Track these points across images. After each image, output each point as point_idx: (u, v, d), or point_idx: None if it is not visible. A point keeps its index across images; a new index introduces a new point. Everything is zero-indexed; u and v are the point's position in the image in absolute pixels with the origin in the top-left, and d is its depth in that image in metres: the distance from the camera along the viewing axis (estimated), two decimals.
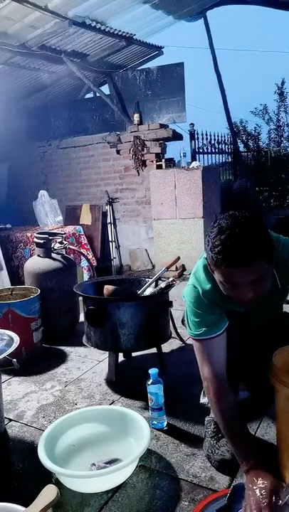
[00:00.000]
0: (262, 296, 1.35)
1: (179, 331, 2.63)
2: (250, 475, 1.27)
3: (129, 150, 5.12)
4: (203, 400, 1.78)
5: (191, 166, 4.74)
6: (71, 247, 3.87)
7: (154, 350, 2.34)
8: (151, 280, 2.48)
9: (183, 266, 4.62)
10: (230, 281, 1.29)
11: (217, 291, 1.45)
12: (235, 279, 1.28)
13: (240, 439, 1.40)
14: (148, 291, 2.43)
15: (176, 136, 5.16)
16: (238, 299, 1.34)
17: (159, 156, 5.03)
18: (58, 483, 1.45)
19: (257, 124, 11.92)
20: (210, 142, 6.52)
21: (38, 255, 3.03)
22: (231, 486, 1.39)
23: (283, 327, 1.76)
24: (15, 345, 1.75)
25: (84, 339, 2.34)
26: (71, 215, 5.57)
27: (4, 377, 2.35)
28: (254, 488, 1.22)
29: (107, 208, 5.41)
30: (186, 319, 1.58)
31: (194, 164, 4.81)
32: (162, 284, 2.39)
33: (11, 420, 1.94)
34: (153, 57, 6.50)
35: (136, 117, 5.16)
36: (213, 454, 1.55)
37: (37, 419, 1.94)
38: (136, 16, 4.96)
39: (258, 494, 1.19)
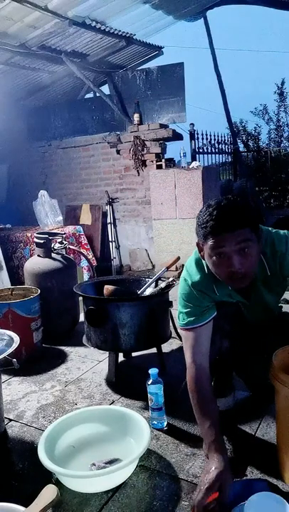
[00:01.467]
0: (250, 274, 1.38)
1: (179, 330, 2.63)
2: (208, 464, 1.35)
3: (129, 150, 5.12)
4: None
5: (191, 166, 4.74)
6: (71, 247, 3.87)
7: (154, 350, 2.34)
8: (151, 280, 2.48)
9: (183, 266, 4.61)
10: (217, 250, 1.34)
11: (207, 280, 1.52)
12: (222, 247, 1.33)
13: (209, 431, 1.44)
14: (148, 291, 2.43)
15: (176, 136, 5.15)
16: (226, 275, 1.38)
17: (159, 156, 5.03)
18: (58, 483, 1.45)
19: (257, 124, 11.92)
20: (210, 142, 6.52)
21: (38, 255, 3.03)
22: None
23: (281, 325, 1.77)
24: (15, 345, 1.75)
25: (84, 339, 2.34)
26: (71, 215, 5.57)
27: (4, 377, 2.35)
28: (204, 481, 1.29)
29: (107, 208, 5.41)
30: (177, 311, 1.64)
31: (194, 164, 4.81)
32: (162, 284, 2.39)
33: (11, 420, 1.94)
34: (153, 57, 6.50)
35: (136, 117, 5.16)
36: None
37: (37, 419, 1.95)
38: (136, 15, 4.96)
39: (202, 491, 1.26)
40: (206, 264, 1.50)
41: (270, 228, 1.54)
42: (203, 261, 1.51)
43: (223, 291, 1.54)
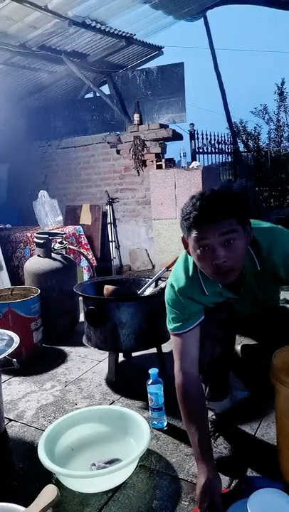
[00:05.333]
0: (236, 267, 1.32)
1: None
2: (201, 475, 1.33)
3: (129, 150, 5.12)
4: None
5: (191, 166, 4.73)
6: (71, 247, 3.87)
7: (154, 350, 2.34)
8: (151, 280, 2.48)
9: None
10: (201, 242, 1.29)
11: (194, 283, 1.48)
12: (205, 238, 1.27)
13: (195, 441, 1.40)
14: (148, 291, 2.43)
15: (176, 136, 5.15)
16: (211, 269, 1.32)
17: (159, 156, 5.03)
18: (58, 483, 1.45)
19: (257, 124, 11.92)
20: (210, 142, 6.51)
21: (38, 255, 3.03)
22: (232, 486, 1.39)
23: (278, 322, 1.74)
24: (15, 345, 1.75)
25: (84, 339, 2.34)
26: (71, 215, 5.56)
27: (4, 377, 2.35)
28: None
29: (107, 208, 5.41)
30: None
31: (194, 164, 4.81)
32: (162, 284, 2.39)
33: (11, 420, 1.94)
34: (153, 57, 6.49)
35: (136, 117, 5.16)
36: None
37: (37, 419, 1.95)
38: (136, 15, 4.95)
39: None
40: (193, 265, 1.46)
41: (269, 224, 1.48)
42: (190, 261, 1.48)
43: (212, 288, 1.48)
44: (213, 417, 1.82)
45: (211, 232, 1.26)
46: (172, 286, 1.53)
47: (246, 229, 1.32)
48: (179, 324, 1.53)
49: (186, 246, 1.41)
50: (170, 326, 1.56)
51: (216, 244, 1.27)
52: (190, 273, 1.48)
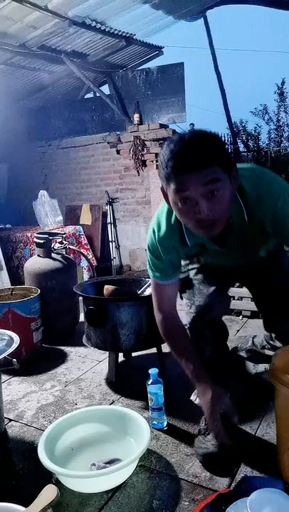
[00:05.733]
0: (221, 220, 1.21)
1: None
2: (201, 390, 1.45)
3: (129, 150, 5.12)
4: (193, 397, 1.78)
5: None
6: (71, 247, 3.87)
7: (154, 350, 2.34)
8: (151, 280, 2.47)
9: None
10: (182, 195, 1.16)
11: (174, 232, 1.41)
12: (187, 190, 1.14)
13: (187, 365, 1.50)
14: (148, 291, 2.43)
15: None
16: (194, 223, 1.21)
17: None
18: (58, 483, 1.45)
19: (257, 124, 11.94)
20: None
21: (38, 255, 3.03)
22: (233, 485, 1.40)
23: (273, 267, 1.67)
24: (15, 345, 1.75)
25: (84, 339, 2.34)
26: (71, 215, 5.57)
27: (4, 377, 2.35)
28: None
29: (107, 207, 5.41)
30: None
31: None
32: None
33: (11, 420, 1.94)
34: (153, 57, 6.49)
35: (136, 117, 5.16)
36: (198, 449, 1.56)
37: (37, 419, 1.95)
38: (136, 15, 4.95)
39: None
40: (175, 215, 1.32)
41: (259, 171, 1.35)
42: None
43: (195, 240, 1.40)
44: None
45: (193, 183, 1.12)
46: (154, 231, 1.46)
47: (232, 175, 1.18)
48: (158, 274, 1.53)
49: (165, 197, 1.26)
50: (150, 271, 1.56)
51: (199, 196, 1.14)
52: (172, 222, 1.39)
